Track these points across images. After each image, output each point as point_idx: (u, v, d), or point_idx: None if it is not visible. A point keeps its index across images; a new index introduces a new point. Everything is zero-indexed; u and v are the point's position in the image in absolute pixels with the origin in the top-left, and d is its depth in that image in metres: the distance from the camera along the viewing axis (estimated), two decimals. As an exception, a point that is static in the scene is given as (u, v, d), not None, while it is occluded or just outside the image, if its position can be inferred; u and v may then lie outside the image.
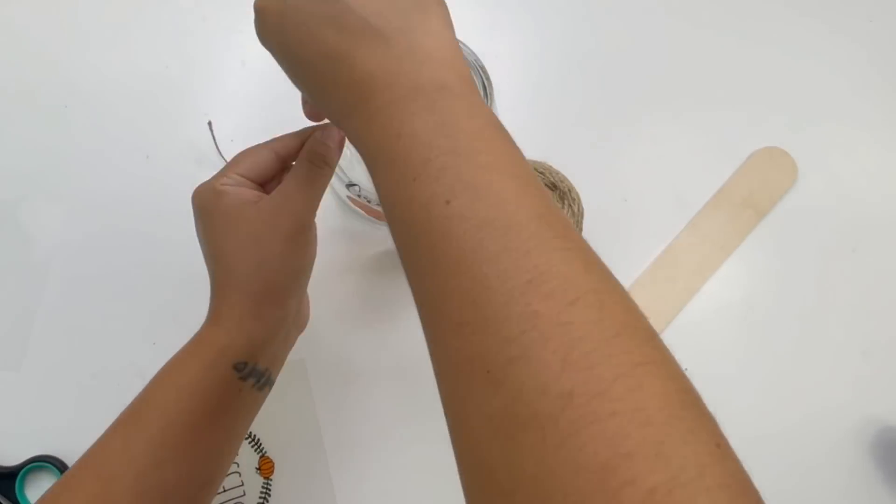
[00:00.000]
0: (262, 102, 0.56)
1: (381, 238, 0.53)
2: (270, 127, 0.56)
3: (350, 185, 0.46)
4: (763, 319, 0.55)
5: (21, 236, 0.51)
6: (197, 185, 0.35)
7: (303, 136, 0.37)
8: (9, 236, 0.51)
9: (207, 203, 0.34)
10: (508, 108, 0.48)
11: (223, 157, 0.51)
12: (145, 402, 0.33)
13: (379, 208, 0.43)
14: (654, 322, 0.53)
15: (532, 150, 0.54)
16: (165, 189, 0.52)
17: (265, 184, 0.36)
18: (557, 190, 0.53)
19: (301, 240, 0.34)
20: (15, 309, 0.49)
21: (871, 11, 0.66)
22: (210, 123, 0.52)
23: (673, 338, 0.53)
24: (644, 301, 0.54)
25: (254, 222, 0.33)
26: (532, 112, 0.59)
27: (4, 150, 0.53)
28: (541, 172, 0.53)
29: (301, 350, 0.49)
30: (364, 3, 0.27)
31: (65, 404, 0.47)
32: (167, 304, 0.49)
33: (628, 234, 0.56)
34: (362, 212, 0.52)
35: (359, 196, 0.46)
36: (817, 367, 0.54)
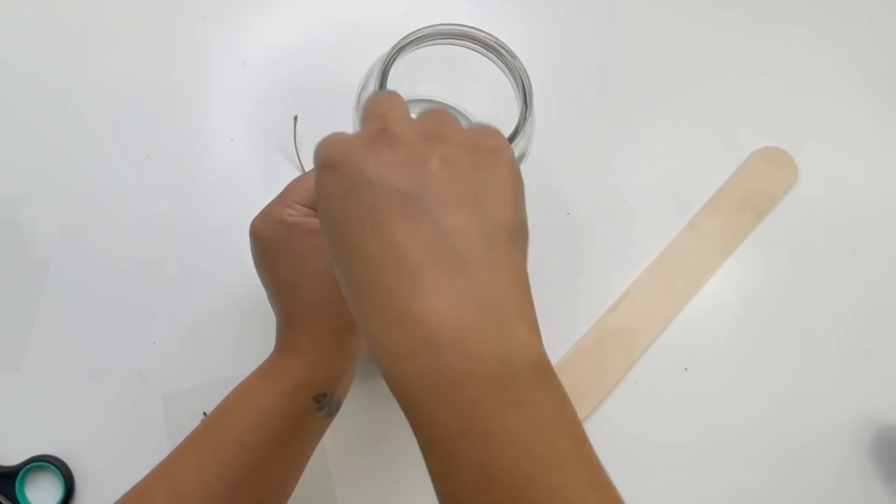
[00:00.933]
0: (262, 102, 0.56)
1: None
2: (270, 127, 0.56)
3: None
4: (762, 319, 0.55)
5: (21, 236, 0.51)
6: (255, 217, 0.36)
7: None
8: (9, 236, 0.51)
9: (277, 235, 0.34)
10: (507, 106, 0.47)
11: (299, 156, 0.49)
12: (220, 425, 0.33)
13: None
14: (654, 323, 0.53)
15: (532, 150, 0.54)
16: (165, 189, 0.52)
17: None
18: None
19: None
20: (15, 309, 0.49)
21: (872, 12, 0.66)
22: (295, 118, 0.50)
23: (672, 337, 0.53)
24: (643, 301, 0.54)
25: (281, 259, 0.34)
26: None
27: (4, 149, 0.53)
28: None
29: (301, 350, 0.49)
30: (449, 214, 0.21)
31: (65, 404, 0.47)
32: (167, 304, 0.49)
33: (628, 234, 0.56)
34: None
35: None
36: (817, 366, 0.54)
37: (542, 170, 0.56)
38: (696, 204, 0.58)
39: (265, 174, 0.53)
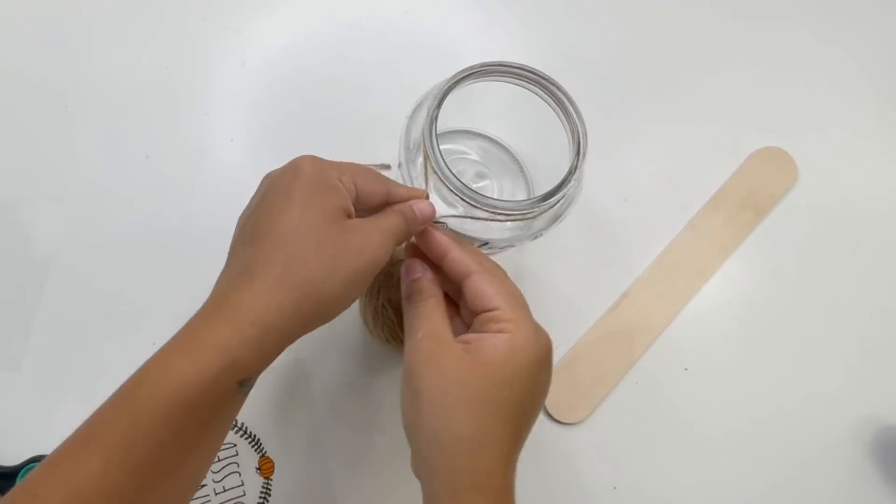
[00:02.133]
0: (262, 102, 0.56)
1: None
2: (270, 127, 0.56)
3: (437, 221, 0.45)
4: (762, 319, 0.55)
5: (21, 236, 0.51)
6: (303, 156, 0.33)
7: (408, 195, 0.36)
8: (9, 236, 0.51)
9: (317, 186, 0.31)
10: (510, 107, 0.47)
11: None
12: (130, 417, 0.28)
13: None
14: (654, 323, 0.53)
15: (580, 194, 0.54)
16: (165, 189, 0.52)
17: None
18: None
19: (360, 288, 0.33)
20: (15, 309, 0.49)
21: (872, 12, 0.66)
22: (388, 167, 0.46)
23: (672, 338, 0.53)
24: (643, 301, 0.54)
25: (342, 233, 0.31)
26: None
27: (4, 149, 0.53)
28: None
29: (301, 350, 0.49)
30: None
31: (65, 404, 0.47)
32: (167, 304, 0.49)
33: (628, 235, 0.56)
34: None
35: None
36: (817, 366, 0.54)
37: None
38: (696, 204, 0.58)
39: (265, 174, 0.53)
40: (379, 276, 0.44)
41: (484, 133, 0.54)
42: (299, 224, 0.30)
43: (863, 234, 0.59)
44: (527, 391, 0.32)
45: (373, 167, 0.37)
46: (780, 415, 0.52)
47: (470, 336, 0.33)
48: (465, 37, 0.61)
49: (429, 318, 0.34)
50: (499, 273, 0.35)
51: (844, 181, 0.60)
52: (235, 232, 0.34)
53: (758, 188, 0.58)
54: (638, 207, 0.57)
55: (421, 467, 0.32)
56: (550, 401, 0.50)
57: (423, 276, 0.36)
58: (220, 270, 0.32)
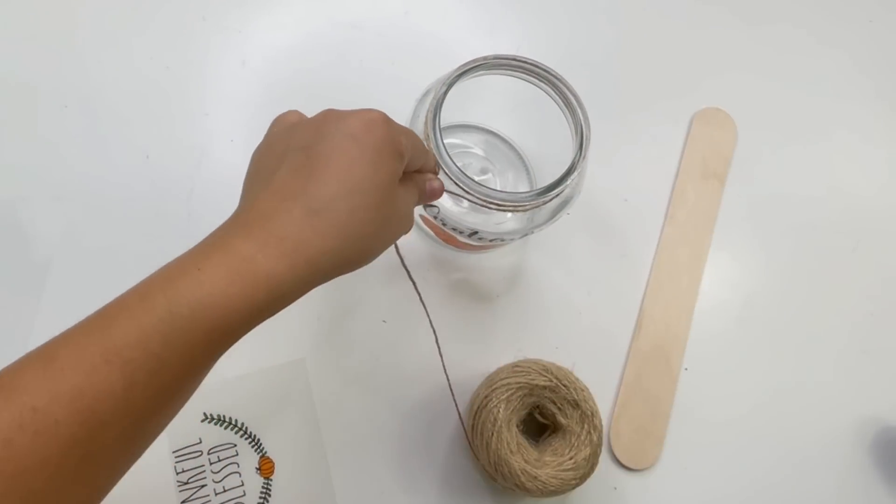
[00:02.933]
0: (262, 102, 0.56)
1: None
2: (270, 127, 0.56)
3: (428, 206, 0.45)
4: (762, 319, 0.55)
5: (21, 236, 0.51)
6: (378, 110, 0.32)
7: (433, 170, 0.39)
8: (9, 236, 0.51)
9: (387, 141, 0.31)
10: (517, 103, 0.47)
11: (411, 277, 0.45)
12: (165, 339, 0.26)
13: (451, 232, 0.43)
14: (678, 329, 0.53)
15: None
16: (165, 189, 0.52)
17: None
18: (579, 409, 0.46)
19: (395, 240, 0.35)
20: (15, 309, 0.49)
21: (872, 12, 0.66)
22: (398, 249, 0.44)
23: (672, 338, 0.53)
24: (660, 312, 0.54)
25: (395, 199, 0.32)
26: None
27: (4, 149, 0.53)
28: (564, 385, 0.46)
29: (301, 350, 0.49)
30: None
31: (65, 404, 0.47)
32: (167, 304, 0.49)
33: (629, 234, 0.56)
34: (431, 232, 0.52)
35: (435, 217, 0.45)
36: (817, 366, 0.54)
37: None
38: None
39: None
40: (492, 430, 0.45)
41: (489, 129, 0.54)
42: (368, 180, 0.30)
43: (863, 234, 0.59)
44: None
45: None
46: (780, 414, 0.52)
47: None
48: (465, 38, 0.61)
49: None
50: None
51: (845, 181, 0.60)
52: (275, 150, 0.33)
53: (709, 153, 0.59)
54: (638, 207, 0.57)
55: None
56: (620, 450, 0.50)
57: None
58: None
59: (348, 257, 0.30)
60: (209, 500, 0.45)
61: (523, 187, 0.53)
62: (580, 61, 0.61)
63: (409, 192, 0.35)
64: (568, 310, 0.53)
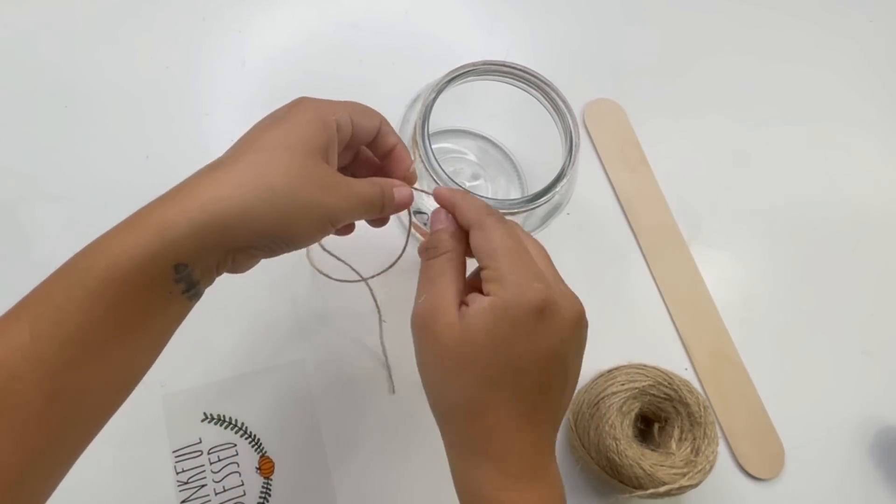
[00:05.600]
0: (262, 102, 0.55)
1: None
2: (270, 127, 0.56)
3: (418, 213, 0.45)
4: (762, 319, 0.55)
5: (21, 236, 0.51)
6: (309, 98, 0.34)
7: (397, 143, 0.37)
8: (9, 236, 0.51)
9: (308, 113, 0.32)
10: (510, 108, 0.47)
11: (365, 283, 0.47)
12: (62, 290, 0.27)
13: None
14: (719, 332, 0.53)
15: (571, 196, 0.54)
16: (165, 189, 0.52)
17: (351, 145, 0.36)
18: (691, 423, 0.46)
19: (316, 232, 0.33)
20: (15, 309, 0.49)
21: (872, 12, 0.67)
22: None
23: (671, 338, 0.54)
24: (691, 324, 0.54)
25: (314, 165, 0.31)
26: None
27: (4, 150, 0.53)
28: (672, 390, 0.46)
29: (301, 350, 0.49)
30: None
31: (65, 404, 0.47)
32: (167, 304, 0.49)
33: (624, 237, 0.56)
34: (422, 238, 0.52)
35: (425, 224, 0.45)
36: (817, 366, 0.54)
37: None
38: (694, 203, 0.58)
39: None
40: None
41: (483, 134, 0.54)
42: (278, 140, 0.31)
43: (863, 234, 0.59)
44: (516, 353, 0.30)
45: None
46: (780, 414, 0.52)
47: (470, 297, 0.32)
48: (465, 38, 0.61)
49: (434, 278, 0.33)
50: (499, 227, 0.32)
51: (844, 181, 0.61)
52: None
53: (618, 142, 0.59)
54: (634, 211, 0.57)
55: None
56: (742, 456, 0.50)
57: (443, 230, 0.34)
58: None
59: (255, 211, 0.29)
60: (209, 500, 0.45)
61: (515, 193, 0.53)
62: (582, 61, 0.61)
63: (354, 182, 0.33)
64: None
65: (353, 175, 0.35)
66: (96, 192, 0.52)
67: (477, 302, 0.31)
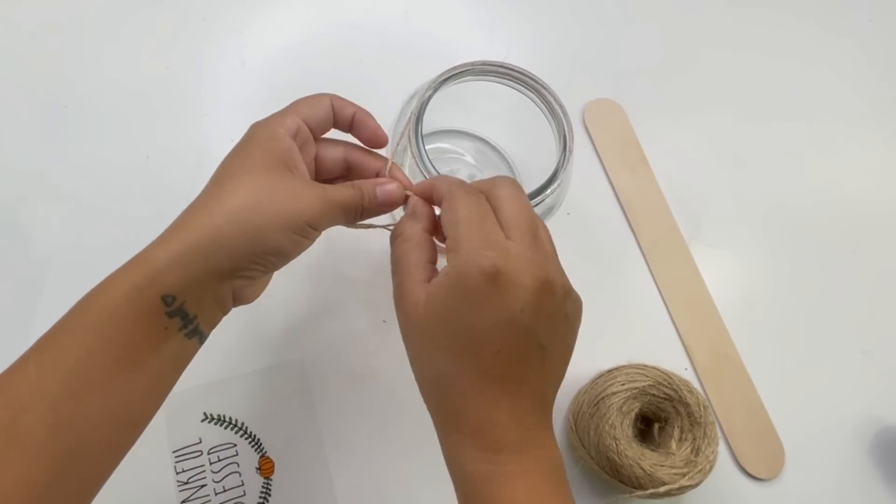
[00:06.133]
0: (262, 102, 0.56)
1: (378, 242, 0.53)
2: (270, 127, 0.56)
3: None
4: (762, 319, 0.55)
5: (21, 236, 0.51)
6: (258, 121, 0.35)
7: (366, 125, 0.37)
8: (9, 236, 0.51)
9: (257, 133, 0.34)
10: (507, 109, 0.47)
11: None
12: (63, 328, 0.30)
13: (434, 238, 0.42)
14: (719, 332, 0.53)
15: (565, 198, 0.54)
16: (165, 189, 0.52)
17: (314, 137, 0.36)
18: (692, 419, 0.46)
19: (297, 237, 0.33)
20: (15, 309, 0.49)
21: (872, 12, 0.67)
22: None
23: (671, 338, 0.54)
24: (694, 326, 0.54)
25: (279, 178, 0.32)
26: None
27: (4, 150, 0.53)
28: (672, 388, 0.46)
29: (301, 350, 0.49)
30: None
31: (65, 404, 0.47)
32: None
33: (621, 238, 0.56)
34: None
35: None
36: (817, 366, 0.54)
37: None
38: (694, 205, 0.58)
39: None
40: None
41: (479, 135, 0.54)
42: (236, 167, 0.33)
43: (863, 234, 0.59)
44: (471, 322, 0.30)
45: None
46: (779, 414, 0.52)
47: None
48: (465, 38, 0.61)
49: (398, 262, 0.33)
50: (464, 199, 0.32)
51: (844, 181, 0.61)
52: None
53: (618, 143, 0.59)
54: (634, 211, 0.57)
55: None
56: (742, 456, 0.50)
57: (406, 215, 0.35)
58: None
59: (226, 234, 0.31)
60: (209, 500, 0.45)
61: None
62: (583, 61, 0.61)
63: (328, 187, 0.34)
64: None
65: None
66: (96, 192, 0.52)
67: (436, 276, 0.31)
